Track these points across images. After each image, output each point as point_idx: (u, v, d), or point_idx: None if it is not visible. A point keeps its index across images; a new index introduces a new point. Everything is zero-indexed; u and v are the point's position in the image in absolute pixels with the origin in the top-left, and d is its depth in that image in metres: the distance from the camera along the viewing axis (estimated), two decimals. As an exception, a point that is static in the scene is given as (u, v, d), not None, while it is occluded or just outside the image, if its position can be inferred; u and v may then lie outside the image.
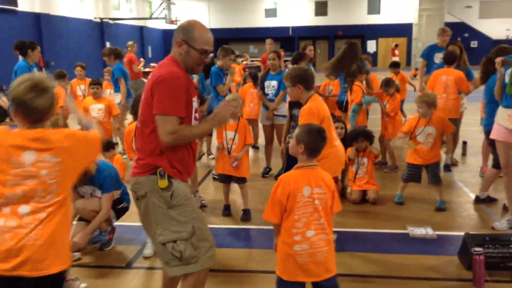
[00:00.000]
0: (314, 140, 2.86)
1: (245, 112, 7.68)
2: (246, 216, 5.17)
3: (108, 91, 9.01)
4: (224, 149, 5.21)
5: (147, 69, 15.07)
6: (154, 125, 2.67)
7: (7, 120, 9.96)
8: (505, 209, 5.10)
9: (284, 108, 6.58)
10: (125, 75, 8.20)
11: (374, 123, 7.93)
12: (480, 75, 5.72)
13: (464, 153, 7.85)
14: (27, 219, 2.28)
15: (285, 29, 35.11)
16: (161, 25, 32.87)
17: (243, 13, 35.41)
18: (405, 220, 5.03)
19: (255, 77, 7.79)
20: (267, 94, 6.70)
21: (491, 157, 5.63)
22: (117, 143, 6.85)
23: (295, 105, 5.09)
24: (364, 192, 5.66)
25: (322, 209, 2.82)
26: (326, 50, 35.48)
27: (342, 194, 5.73)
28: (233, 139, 5.15)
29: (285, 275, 2.83)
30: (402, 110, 8.17)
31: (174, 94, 2.62)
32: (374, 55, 33.60)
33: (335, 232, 4.44)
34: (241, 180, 5.27)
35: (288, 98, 5.43)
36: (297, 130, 2.92)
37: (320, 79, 8.62)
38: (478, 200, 5.53)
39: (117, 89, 8.26)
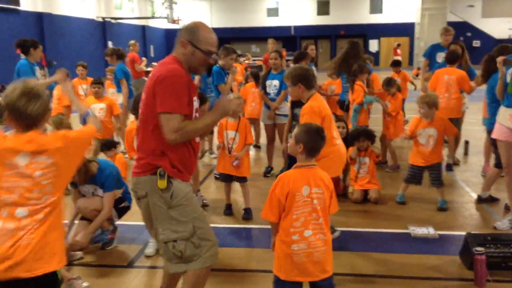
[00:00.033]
0: (313, 140, 2.86)
1: (247, 111, 7.69)
2: (247, 215, 5.18)
3: (110, 90, 9.04)
4: (225, 149, 5.21)
5: (149, 68, 15.07)
6: (155, 124, 2.67)
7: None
8: (507, 208, 5.09)
9: (285, 108, 6.58)
10: (127, 75, 8.21)
11: (375, 123, 7.92)
12: (482, 73, 5.71)
13: (466, 153, 7.84)
14: (25, 221, 2.31)
15: (287, 28, 35.10)
16: (163, 24, 32.89)
17: (245, 13, 35.40)
18: (406, 220, 5.03)
19: (257, 76, 7.79)
20: (269, 94, 6.70)
21: (493, 156, 5.63)
22: (119, 142, 6.86)
23: (297, 104, 5.09)
24: (365, 192, 5.66)
25: (321, 209, 2.82)
26: (328, 49, 35.46)
27: (344, 194, 5.73)
28: (234, 139, 5.15)
29: (282, 274, 2.83)
30: (402, 109, 8.16)
31: (176, 92, 2.62)
32: (376, 54, 33.59)
33: (338, 230, 4.47)
34: (242, 179, 5.28)
35: (290, 98, 5.43)
36: (296, 130, 2.92)
37: (323, 79, 8.62)
38: (480, 200, 5.52)
39: (119, 89, 8.27)
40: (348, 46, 7.18)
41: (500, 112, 4.68)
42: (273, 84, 6.66)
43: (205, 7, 35.65)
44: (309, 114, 3.80)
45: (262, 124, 7.37)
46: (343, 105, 7.30)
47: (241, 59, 18.53)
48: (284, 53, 11.35)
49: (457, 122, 6.64)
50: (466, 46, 7.22)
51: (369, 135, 5.78)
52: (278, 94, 6.60)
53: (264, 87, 6.78)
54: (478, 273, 3.63)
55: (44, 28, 20.74)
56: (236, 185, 5.55)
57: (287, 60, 13.05)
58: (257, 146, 8.62)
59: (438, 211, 5.28)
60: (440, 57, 7.50)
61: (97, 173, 4.38)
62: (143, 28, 32.02)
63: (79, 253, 4.29)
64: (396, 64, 9.54)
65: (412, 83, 9.91)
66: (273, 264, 2.94)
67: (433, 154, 5.36)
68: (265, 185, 6.33)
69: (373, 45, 34.52)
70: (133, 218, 4.79)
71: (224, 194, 5.43)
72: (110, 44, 25.38)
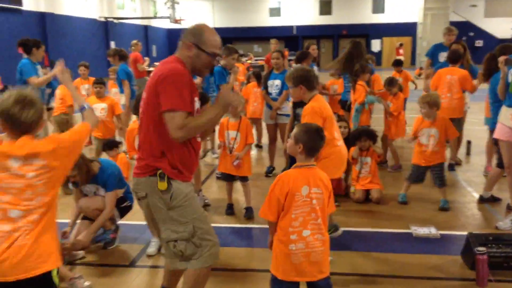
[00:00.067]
0: (313, 140, 2.86)
1: (249, 111, 7.70)
2: (249, 213, 5.19)
3: (113, 90, 9.06)
4: (226, 148, 5.22)
5: (151, 68, 15.10)
6: (155, 123, 2.68)
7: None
8: (509, 208, 5.09)
9: (287, 107, 6.59)
10: (130, 76, 8.21)
11: (377, 123, 7.92)
12: (483, 72, 5.69)
13: (468, 153, 7.83)
14: (21, 222, 2.33)
15: (289, 28, 35.08)
16: (166, 24, 32.93)
17: (247, 12, 35.40)
18: (408, 220, 5.03)
19: (259, 76, 7.80)
20: (271, 93, 6.70)
21: (495, 156, 5.62)
22: (121, 142, 6.87)
23: (299, 104, 5.10)
24: (367, 192, 5.66)
25: (320, 209, 2.82)
26: (330, 49, 35.41)
27: (346, 194, 5.73)
28: (235, 138, 5.16)
29: (280, 273, 2.83)
30: (404, 109, 8.15)
31: (179, 90, 2.62)
32: (379, 54, 33.55)
33: (340, 228, 4.47)
34: (244, 179, 5.30)
35: (292, 98, 5.43)
36: (295, 130, 2.92)
37: (325, 78, 8.63)
38: (482, 200, 5.52)
39: (122, 90, 8.29)
40: (350, 46, 7.17)
41: (502, 112, 4.68)
42: (275, 84, 6.66)
43: (207, 7, 35.66)
44: (310, 115, 3.80)
45: (264, 124, 7.37)
46: (345, 105, 7.30)
47: (243, 59, 18.52)
48: (286, 53, 11.36)
49: (459, 122, 6.64)
50: (468, 46, 7.20)
51: (371, 135, 5.78)
52: (280, 94, 6.60)
53: (266, 87, 6.78)
54: (479, 273, 3.63)
55: (46, 28, 20.78)
56: (238, 185, 5.55)
57: (289, 60, 13.05)
58: (259, 146, 8.63)
59: (440, 211, 5.28)
60: (443, 57, 7.49)
61: (98, 173, 4.39)
62: (146, 28, 32.06)
63: (81, 253, 4.30)
64: (397, 64, 9.53)
65: (413, 82, 9.89)
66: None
67: (435, 154, 5.36)
68: (266, 184, 6.30)
69: (376, 45, 34.48)
70: (135, 218, 4.80)
71: (226, 194, 5.44)
72: (112, 44, 25.42)
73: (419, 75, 11.01)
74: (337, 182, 3.98)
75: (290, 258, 2.78)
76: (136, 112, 4.51)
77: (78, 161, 4.22)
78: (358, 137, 5.75)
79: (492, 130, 5.58)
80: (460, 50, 6.78)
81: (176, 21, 28.57)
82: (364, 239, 4.64)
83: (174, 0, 27.79)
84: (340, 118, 6.36)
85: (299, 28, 35.02)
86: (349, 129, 6.02)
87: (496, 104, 5.33)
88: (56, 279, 2.43)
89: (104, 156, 6.15)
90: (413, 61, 32.64)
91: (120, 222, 4.71)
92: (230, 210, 5.35)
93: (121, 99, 8.22)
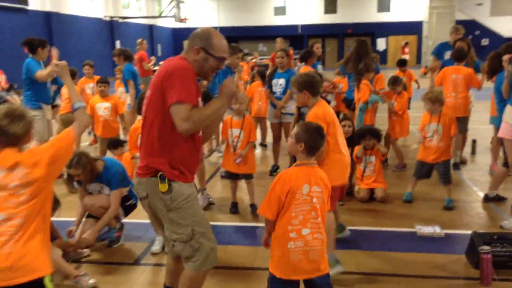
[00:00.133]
0: (313, 138, 2.87)
1: (254, 110, 7.71)
2: (254, 209, 5.23)
3: (120, 89, 9.10)
4: (230, 147, 5.24)
5: (156, 67, 15.14)
6: (158, 120, 2.68)
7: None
8: (514, 207, 5.07)
9: (291, 106, 6.58)
10: (135, 76, 8.23)
11: (381, 122, 7.90)
12: (487, 69, 5.67)
13: (473, 152, 7.80)
14: (3, 227, 2.37)
15: (294, 27, 35.05)
16: (171, 23, 33.01)
17: (252, 11, 35.40)
18: (412, 219, 5.02)
19: (263, 75, 7.80)
20: (275, 92, 6.70)
21: (501, 155, 5.60)
22: (126, 141, 6.89)
23: (303, 103, 5.08)
24: (371, 191, 5.65)
25: (320, 207, 2.83)
26: (336, 48, 35.38)
27: (350, 192, 5.72)
28: (239, 137, 5.19)
29: (278, 272, 2.83)
30: (408, 108, 8.12)
31: (184, 83, 2.63)
32: (384, 53, 33.46)
33: (347, 229, 4.47)
34: (248, 176, 5.32)
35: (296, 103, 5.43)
36: (295, 129, 2.93)
37: (330, 77, 8.61)
38: (487, 199, 5.50)
39: (128, 89, 8.32)
40: (356, 45, 7.16)
41: (507, 111, 4.67)
42: (279, 83, 6.66)
43: (212, 6, 35.69)
44: (313, 121, 3.80)
45: (268, 123, 7.38)
46: (351, 103, 7.29)
47: (248, 58, 18.52)
48: (291, 52, 11.35)
49: (464, 121, 6.62)
50: (474, 45, 7.17)
51: (375, 134, 5.77)
52: (284, 93, 6.60)
53: (270, 86, 6.78)
54: (484, 272, 3.62)
55: (52, 28, 20.88)
56: (242, 183, 5.56)
57: (294, 59, 13.05)
58: (264, 145, 8.63)
59: (444, 210, 5.27)
60: (449, 55, 7.47)
61: (103, 171, 4.41)
62: (151, 27, 32.13)
63: (86, 251, 4.33)
64: (402, 64, 9.53)
65: (416, 81, 9.87)
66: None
67: (440, 151, 5.34)
68: (271, 183, 6.32)
69: (381, 44, 34.39)
70: (140, 216, 4.82)
71: (230, 193, 5.45)
72: (118, 43, 25.51)
73: (425, 74, 10.97)
74: (341, 189, 3.97)
75: (288, 256, 2.78)
76: (140, 111, 4.53)
77: (83, 160, 4.26)
78: (362, 136, 5.75)
79: (498, 129, 5.56)
80: (464, 48, 6.76)
81: (181, 20, 28.62)
82: (369, 238, 4.64)
83: (179, -1, 27.85)
84: (344, 117, 6.35)
85: (304, 27, 34.98)
86: (354, 128, 6.01)
87: (501, 103, 5.31)
88: (49, 286, 2.43)
89: (109, 155, 6.18)
90: (418, 60, 32.55)
91: (124, 220, 4.73)
92: (234, 208, 5.36)
93: (127, 99, 8.26)
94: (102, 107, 6.81)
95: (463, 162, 7.12)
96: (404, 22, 33.68)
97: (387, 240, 4.59)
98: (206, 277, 2.93)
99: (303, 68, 7.36)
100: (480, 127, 8.97)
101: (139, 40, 12.22)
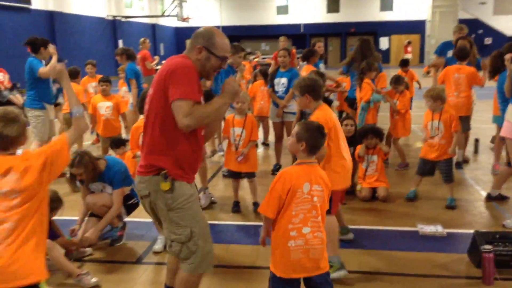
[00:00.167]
0: (314, 137, 2.88)
1: (256, 109, 7.72)
2: (257, 207, 5.22)
3: (123, 88, 9.12)
4: (231, 145, 5.25)
5: (159, 67, 15.16)
6: (160, 119, 2.68)
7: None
8: (516, 207, 5.07)
9: (294, 105, 6.58)
10: (137, 75, 8.24)
11: (383, 121, 7.89)
12: (489, 69, 5.66)
13: (476, 151, 7.78)
14: None
15: (297, 26, 35.02)
16: (173, 22, 33.03)
17: (255, 10, 35.40)
18: (415, 218, 5.01)
19: (266, 74, 7.80)
20: (277, 92, 6.70)
21: (503, 154, 5.58)
22: (128, 140, 6.91)
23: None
24: (374, 190, 5.65)
25: (320, 206, 2.84)
26: (338, 47, 35.35)
27: (352, 191, 5.72)
28: (241, 135, 5.20)
29: (278, 271, 2.84)
30: (410, 108, 8.12)
31: (187, 79, 2.63)
32: (387, 52, 33.41)
33: (351, 233, 4.47)
34: (250, 175, 5.32)
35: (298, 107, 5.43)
36: (296, 128, 2.93)
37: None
38: (489, 198, 5.48)
39: (130, 89, 8.33)
40: (359, 44, 7.16)
41: (509, 110, 4.66)
42: (281, 82, 6.66)
43: (215, 5, 35.69)
44: None
45: (270, 122, 7.38)
46: (353, 102, 7.28)
47: (251, 57, 18.52)
48: (294, 50, 11.35)
49: (466, 120, 6.60)
50: (477, 44, 7.15)
51: (377, 133, 5.77)
52: (287, 92, 6.59)
53: (272, 85, 6.78)
54: (486, 271, 3.62)
55: (55, 27, 20.93)
56: (244, 182, 5.57)
57: (297, 58, 13.02)
58: (266, 144, 8.64)
59: (446, 209, 5.26)
60: (451, 54, 7.45)
61: (105, 170, 4.42)
62: (153, 26, 32.16)
63: (89, 249, 4.34)
64: (404, 64, 9.53)
65: (418, 82, 9.86)
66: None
67: (441, 148, 5.33)
68: (273, 182, 6.33)
69: (384, 43, 34.34)
70: (142, 215, 4.81)
71: (232, 191, 5.46)
72: (120, 42, 25.53)
73: (428, 73, 10.96)
74: (342, 194, 3.97)
75: (289, 254, 2.79)
76: (141, 110, 4.53)
77: (85, 159, 4.27)
78: (364, 135, 5.74)
79: (501, 128, 5.55)
80: (467, 46, 6.74)
81: (183, 20, 28.63)
82: (370, 237, 4.64)
83: (181, -2, 27.86)
84: (347, 116, 6.35)
85: (307, 26, 34.96)
86: (356, 127, 6.01)
87: (505, 103, 5.29)
88: None
89: (112, 154, 6.19)
90: (421, 59, 32.50)
91: (126, 219, 4.74)
92: (236, 207, 5.37)
93: (130, 98, 8.27)
94: (104, 106, 6.82)
95: (465, 161, 7.11)
96: (407, 21, 33.62)
97: (389, 239, 4.59)
98: (201, 280, 2.91)
99: (305, 67, 7.36)
100: (482, 126, 8.95)
101: (142, 39, 12.23)
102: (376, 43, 33.01)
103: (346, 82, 7.89)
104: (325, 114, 3.72)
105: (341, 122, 5.74)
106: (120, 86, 9.47)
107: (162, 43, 33.35)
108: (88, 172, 4.31)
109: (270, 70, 8.05)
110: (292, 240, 2.79)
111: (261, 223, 4.90)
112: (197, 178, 3.19)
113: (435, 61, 7.89)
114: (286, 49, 7.01)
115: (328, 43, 34.66)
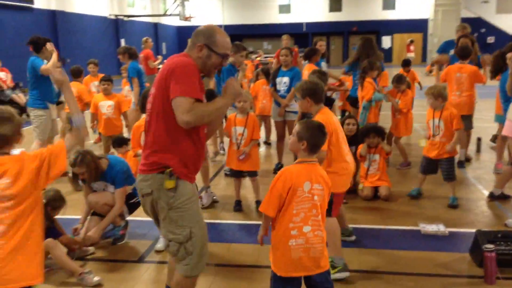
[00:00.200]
0: (315, 136, 2.89)
1: (258, 108, 7.72)
2: (259, 205, 5.23)
3: (126, 88, 9.13)
4: (233, 144, 5.26)
5: (161, 66, 15.19)
6: (163, 117, 2.68)
7: (23, 116, 10.09)
8: (519, 206, 5.06)
9: (295, 105, 6.57)
10: (140, 74, 8.25)
11: (385, 120, 7.88)
12: (491, 69, 5.65)
13: (478, 150, 7.77)
14: None
15: (299, 25, 34.98)
16: (176, 22, 33.01)
17: (257, 9, 35.37)
18: (416, 217, 5.01)
19: (268, 73, 7.80)
20: (279, 91, 6.70)
21: (505, 153, 5.57)
22: (130, 139, 6.92)
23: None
24: (376, 189, 5.65)
25: (320, 205, 2.84)
26: (341, 46, 35.31)
27: (354, 190, 5.72)
28: (242, 134, 5.21)
29: (279, 270, 2.84)
30: (412, 107, 8.10)
31: (188, 77, 2.63)
32: (389, 51, 33.36)
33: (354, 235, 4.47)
34: (252, 174, 5.33)
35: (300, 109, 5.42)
36: (297, 127, 2.93)
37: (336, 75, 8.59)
38: (492, 197, 5.48)
39: (132, 88, 8.34)
40: (361, 43, 7.15)
41: (510, 109, 4.65)
42: (283, 81, 6.66)
43: (217, 4, 35.69)
44: None
45: (272, 121, 7.38)
46: (356, 102, 7.27)
47: (253, 56, 18.52)
48: (296, 49, 11.34)
49: (468, 119, 6.59)
50: (480, 43, 7.14)
51: (379, 132, 5.77)
52: (288, 91, 6.59)
53: (274, 84, 6.79)
54: (488, 271, 3.62)
55: (57, 26, 20.94)
56: (245, 181, 5.57)
57: (299, 57, 13.01)
58: (268, 143, 8.64)
59: (448, 208, 5.26)
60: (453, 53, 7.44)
61: (107, 170, 4.43)
62: (155, 25, 32.16)
63: (91, 248, 4.36)
64: (406, 64, 9.51)
65: (419, 83, 9.84)
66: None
67: (442, 146, 5.32)
68: (275, 181, 6.33)
69: (386, 42, 34.27)
70: (144, 214, 4.77)
71: (234, 190, 5.46)
72: (122, 41, 25.56)
73: (430, 71, 10.93)
74: (341, 197, 3.97)
75: (289, 253, 2.80)
76: (143, 109, 4.53)
77: (87, 158, 4.28)
78: (366, 134, 5.74)
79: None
80: (469, 45, 6.72)
81: (186, 19, 28.62)
82: (372, 236, 4.64)
83: (183, -3, 27.85)
84: (349, 116, 6.34)
85: (309, 25, 34.91)
86: (358, 126, 6.01)
87: (507, 102, 5.28)
88: None
89: (114, 153, 6.20)
90: (424, 58, 32.42)
91: (129, 218, 4.75)
92: (238, 206, 5.37)
93: (133, 97, 8.28)
94: (106, 105, 6.84)
95: (467, 160, 7.10)
96: (409, 20, 33.54)
97: (390, 238, 4.59)
98: (196, 282, 2.91)
99: (307, 66, 7.36)
100: (485, 125, 8.94)
101: (144, 38, 12.24)
102: (379, 42, 32.94)
103: (348, 82, 7.88)
104: (326, 118, 3.72)
105: (343, 121, 5.75)
106: (123, 85, 9.49)
107: (164, 42, 33.36)
108: (90, 171, 4.32)
109: (273, 70, 8.03)
110: (293, 239, 2.79)
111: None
112: (199, 177, 3.20)
113: (439, 57, 7.86)
114: (288, 48, 7.01)
115: (330, 42, 34.62)
